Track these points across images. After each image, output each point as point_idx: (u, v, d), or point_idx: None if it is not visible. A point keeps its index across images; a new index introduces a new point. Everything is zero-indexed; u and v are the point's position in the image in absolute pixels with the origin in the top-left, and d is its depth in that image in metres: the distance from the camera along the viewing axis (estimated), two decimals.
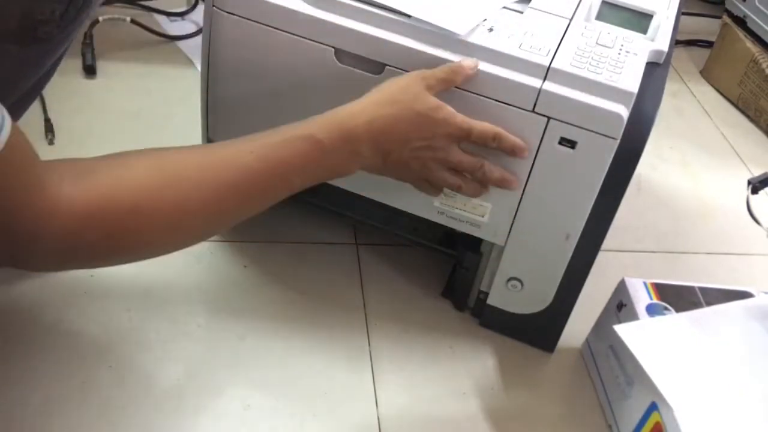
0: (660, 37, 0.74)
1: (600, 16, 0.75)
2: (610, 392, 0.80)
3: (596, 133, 0.68)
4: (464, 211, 0.77)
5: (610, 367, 0.80)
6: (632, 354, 0.72)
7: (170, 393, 0.76)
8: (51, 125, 1.05)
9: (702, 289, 0.81)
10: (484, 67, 0.69)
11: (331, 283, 0.90)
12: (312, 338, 0.83)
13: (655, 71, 0.72)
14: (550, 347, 0.87)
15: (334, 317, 0.86)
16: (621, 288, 0.81)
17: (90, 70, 1.16)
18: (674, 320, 0.76)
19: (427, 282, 0.92)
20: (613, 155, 0.69)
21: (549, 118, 0.69)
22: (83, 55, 1.17)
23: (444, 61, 0.69)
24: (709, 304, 0.79)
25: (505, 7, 0.74)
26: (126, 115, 1.09)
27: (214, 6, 0.74)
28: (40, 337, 0.79)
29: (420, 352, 0.84)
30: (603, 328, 0.83)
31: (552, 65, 0.68)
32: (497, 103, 0.69)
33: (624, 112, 0.67)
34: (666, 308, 0.78)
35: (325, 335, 0.84)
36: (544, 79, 0.68)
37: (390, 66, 0.71)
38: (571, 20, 0.74)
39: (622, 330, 0.74)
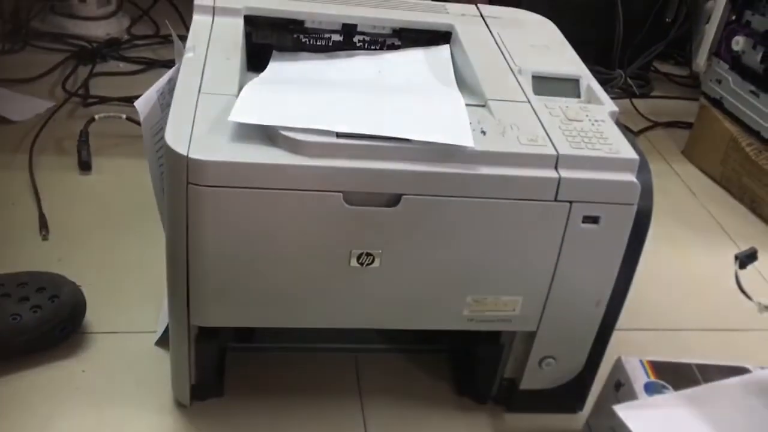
0: (601, 97, 0.78)
1: (537, 91, 0.79)
2: None
3: (616, 204, 0.71)
4: (495, 311, 0.77)
5: None
6: None
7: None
8: (45, 221, 1.06)
9: (699, 365, 0.80)
10: (498, 170, 0.69)
11: (323, 362, 0.90)
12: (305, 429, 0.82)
13: (625, 132, 0.76)
14: (580, 407, 0.88)
15: (328, 405, 0.85)
16: (618, 367, 0.81)
17: (85, 166, 1.18)
18: (674, 399, 0.76)
19: (423, 362, 0.92)
20: (633, 219, 0.72)
21: (571, 202, 0.70)
22: (79, 152, 1.20)
23: (460, 176, 0.68)
24: (706, 380, 0.78)
25: (468, 105, 0.75)
26: (120, 210, 1.11)
27: (189, 184, 0.65)
28: None
29: None
30: (603, 408, 0.83)
31: (559, 153, 0.70)
32: (518, 201, 0.70)
33: (633, 178, 0.71)
34: (664, 386, 0.77)
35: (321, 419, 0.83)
36: (556, 168, 0.70)
37: (407, 194, 0.68)
38: (530, 102, 0.77)
39: (623, 411, 0.73)
